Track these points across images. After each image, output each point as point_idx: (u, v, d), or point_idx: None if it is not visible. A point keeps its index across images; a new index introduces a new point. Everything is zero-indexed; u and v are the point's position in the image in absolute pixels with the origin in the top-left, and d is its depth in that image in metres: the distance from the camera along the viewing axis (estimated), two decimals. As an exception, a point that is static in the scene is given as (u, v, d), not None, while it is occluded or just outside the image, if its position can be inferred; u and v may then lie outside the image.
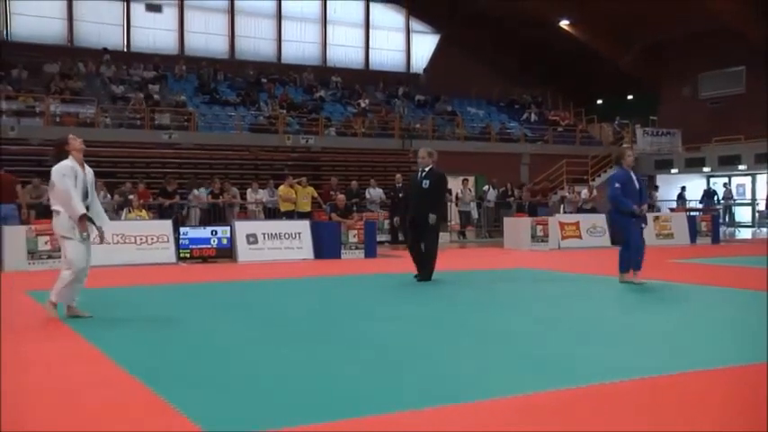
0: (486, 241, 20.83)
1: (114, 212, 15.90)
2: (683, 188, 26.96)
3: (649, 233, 18.48)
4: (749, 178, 30.29)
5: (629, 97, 36.37)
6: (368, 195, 20.73)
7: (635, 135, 30.78)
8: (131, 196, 16.39)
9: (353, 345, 5.89)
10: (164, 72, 28.27)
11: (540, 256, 15.04)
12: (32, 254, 12.53)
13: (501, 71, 34.90)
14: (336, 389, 4.41)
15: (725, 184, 29.49)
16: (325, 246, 14.83)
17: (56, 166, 7.03)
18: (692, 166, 30.49)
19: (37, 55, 26.49)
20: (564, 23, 32.86)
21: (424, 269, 10.28)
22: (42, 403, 4.19)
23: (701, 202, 26.34)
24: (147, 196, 17.53)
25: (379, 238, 15.62)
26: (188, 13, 31.57)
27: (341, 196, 16.35)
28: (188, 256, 14.11)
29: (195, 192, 18.06)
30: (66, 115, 23.38)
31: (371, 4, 34.93)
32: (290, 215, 17.31)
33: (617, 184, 9.57)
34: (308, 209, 17.70)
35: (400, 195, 11.82)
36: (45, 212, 15.04)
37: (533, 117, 32.40)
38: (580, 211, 21.05)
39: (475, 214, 22.60)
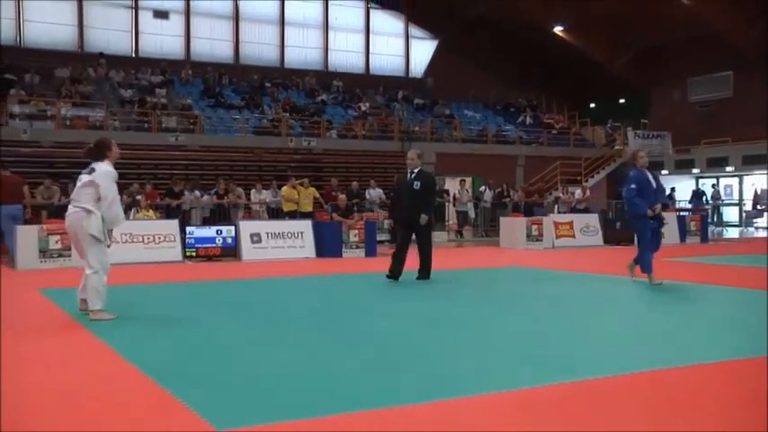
0: (482, 240, 20.83)
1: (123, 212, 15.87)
2: (673, 189, 26.92)
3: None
4: (736, 179, 30.31)
5: (621, 101, 36.37)
6: (368, 196, 20.72)
7: (627, 137, 30.78)
8: (139, 197, 16.40)
9: (354, 341, 5.90)
10: (170, 76, 28.28)
11: (535, 255, 15.04)
12: (44, 252, 12.53)
13: (497, 76, 34.91)
14: (337, 384, 4.42)
15: (713, 185, 29.52)
16: (327, 245, 14.83)
17: (106, 168, 6.89)
18: (682, 167, 30.51)
19: (48, 60, 26.49)
20: (558, 29, 32.86)
21: (423, 268, 10.22)
22: (52, 397, 4.19)
23: (690, 203, 26.35)
24: (154, 197, 17.53)
25: (379, 238, 15.61)
26: (194, 19, 31.57)
27: (342, 197, 16.35)
28: (194, 254, 14.12)
29: (196, 193, 18.03)
30: (76, 118, 23.37)
31: (372, 11, 34.92)
32: (292, 215, 17.31)
33: (632, 185, 9.34)
34: (310, 209, 17.69)
35: (391, 195, 11.62)
36: (56, 212, 15.06)
37: (528, 120, 32.38)
38: (574, 211, 21.05)
39: (472, 214, 22.59)
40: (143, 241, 13.65)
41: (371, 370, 4.83)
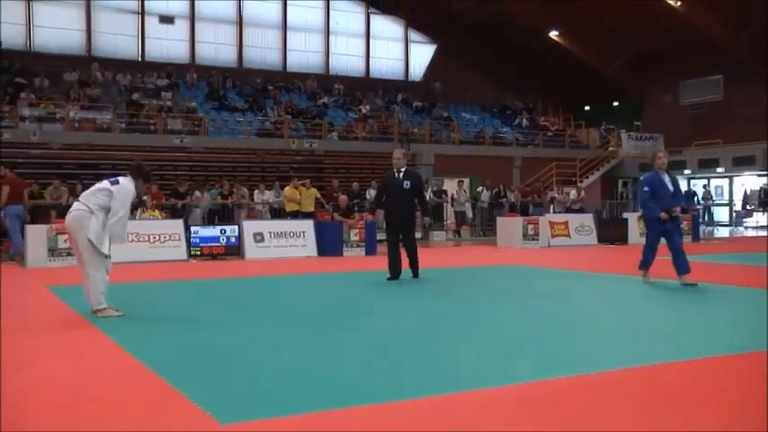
0: (479, 240, 20.82)
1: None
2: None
3: (634, 232, 18.59)
4: (727, 180, 30.32)
5: (615, 104, 36.37)
6: (368, 196, 20.69)
7: (620, 139, 30.81)
8: (145, 197, 16.35)
9: (354, 338, 5.88)
10: (176, 80, 28.27)
11: (532, 254, 15.03)
12: (53, 251, 12.55)
13: (494, 79, 34.92)
14: (338, 380, 4.41)
15: (704, 186, 29.52)
16: (328, 244, 14.82)
17: (128, 186, 6.80)
18: (674, 168, 30.35)
19: (57, 64, 26.48)
20: (554, 34, 32.86)
21: (414, 267, 9.97)
22: (59, 390, 4.19)
23: (682, 203, 26.24)
24: (159, 197, 17.50)
25: (379, 237, 15.57)
26: (199, 24, 31.56)
27: (343, 197, 16.33)
28: (198, 253, 14.11)
29: (197, 193, 18.02)
30: (84, 121, 23.36)
31: (372, 16, 34.91)
32: (294, 215, 17.30)
33: (645, 188, 9.07)
34: (312, 209, 17.69)
35: (377, 191, 11.04)
36: (65, 212, 15.03)
37: (525, 122, 32.36)
38: (569, 211, 21.04)
39: (469, 214, 22.60)
40: (149, 240, 13.64)
41: (372, 366, 4.81)
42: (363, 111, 29.45)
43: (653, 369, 4.59)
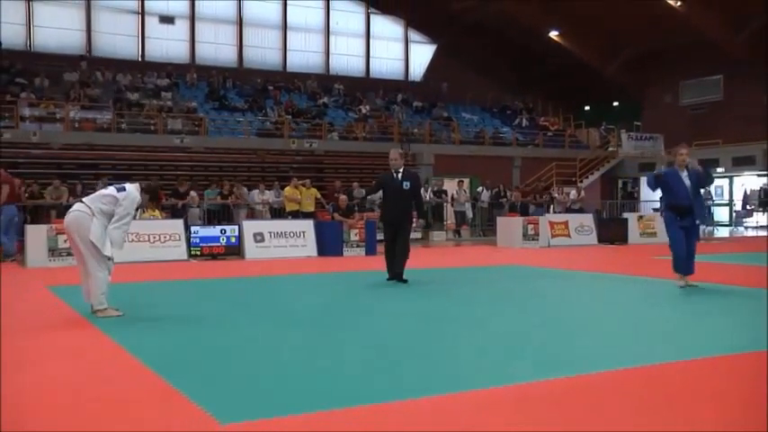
0: (479, 240, 20.81)
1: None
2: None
3: (634, 232, 18.60)
4: (727, 180, 30.28)
5: (615, 104, 36.35)
6: (357, 194, 20.69)
7: (620, 140, 30.79)
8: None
9: (354, 338, 5.88)
10: (176, 80, 28.26)
11: (532, 254, 15.02)
12: (53, 251, 12.55)
13: (494, 79, 34.90)
14: (338, 380, 4.41)
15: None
16: (328, 244, 14.82)
17: (135, 194, 6.82)
18: (674, 168, 30.42)
19: (57, 64, 26.47)
20: (554, 34, 32.85)
21: (401, 267, 9.71)
22: (59, 390, 4.19)
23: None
24: (160, 198, 17.48)
25: (378, 237, 15.55)
26: (199, 24, 31.54)
27: (343, 197, 16.34)
28: (198, 253, 14.11)
29: (192, 193, 18.00)
30: (84, 121, 23.36)
31: (372, 16, 34.90)
32: (295, 215, 17.30)
33: (654, 173, 8.82)
34: (312, 209, 17.69)
35: (372, 186, 10.76)
36: (65, 212, 15.03)
37: (524, 122, 32.35)
38: (569, 211, 21.03)
39: (469, 214, 22.59)
40: (149, 240, 13.64)
41: (372, 366, 4.81)
42: (363, 111, 29.45)
43: (653, 369, 4.58)
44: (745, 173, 28.83)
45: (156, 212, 15.67)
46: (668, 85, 32.84)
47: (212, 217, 18.11)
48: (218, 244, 14.32)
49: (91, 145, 22.17)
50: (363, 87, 32.39)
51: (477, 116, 32.85)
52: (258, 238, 14.49)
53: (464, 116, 32.24)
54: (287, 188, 18.02)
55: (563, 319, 6.72)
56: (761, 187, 27.93)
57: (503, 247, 17.14)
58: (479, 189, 23.42)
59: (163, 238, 13.79)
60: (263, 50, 32.75)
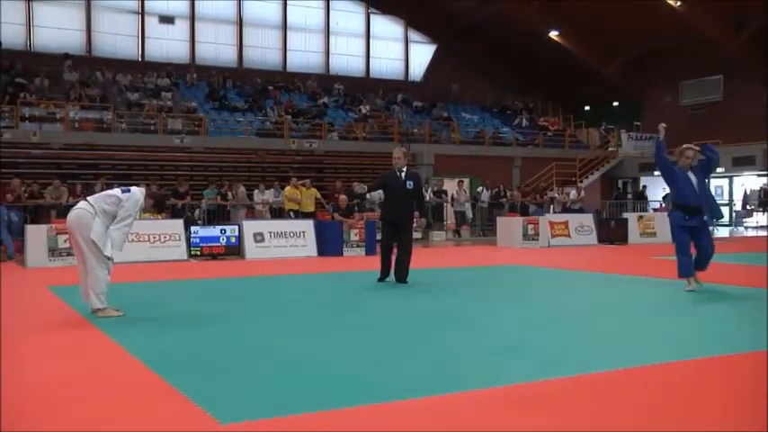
0: (479, 240, 20.81)
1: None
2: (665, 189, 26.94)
3: (634, 232, 18.60)
4: (726, 180, 30.30)
5: (615, 104, 36.33)
6: (368, 196, 20.66)
7: (620, 139, 30.77)
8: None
9: (354, 338, 5.88)
10: (176, 80, 28.25)
11: (531, 254, 15.02)
12: (53, 251, 12.55)
13: (494, 79, 34.89)
14: (338, 380, 4.41)
15: (704, 186, 29.43)
16: (328, 244, 14.82)
17: (138, 196, 6.81)
18: (674, 168, 30.40)
19: (57, 64, 26.46)
20: (554, 34, 32.85)
21: (404, 271, 9.65)
22: (59, 391, 4.19)
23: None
24: (163, 205, 17.48)
25: (378, 237, 15.55)
26: (199, 24, 31.52)
27: (342, 197, 16.34)
28: (198, 253, 14.11)
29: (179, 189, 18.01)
30: (84, 121, 23.35)
31: (372, 16, 34.89)
32: (295, 214, 17.30)
33: (672, 160, 8.41)
34: (312, 209, 17.69)
35: (373, 183, 10.62)
36: (65, 212, 15.05)
37: (524, 122, 32.34)
38: (569, 211, 21.04)
39: (469, 214, 22.59)
40: (149, 240, 13.64)
41: (372, 365, 4.81)
42: (363, 111, 29.43)
43: (653, 369, 4.58)
44: (745, 173, 28.83)
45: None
46: (668, 85, 32.83)
47: (212, 217, 18.11)
48: (218, 244, 14.32)
49: (91, 145, 22.17)
50: (363, 87, 32.38)
51: (477, 116, 32.84)
52: (258, 238, 14.49)
53: (464, 116, 32.23)
54: (287, 188, 18.03)
55: (563, 319, 6.72)
56: (761, 187, 27.93)
57: (503, 247, 17.14)
58: (479, 189, 23.42)
59: (163, 238, 13.79)
60: (263, 50, 32.73)
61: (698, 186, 8.35)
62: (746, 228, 27.57)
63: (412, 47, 35.84)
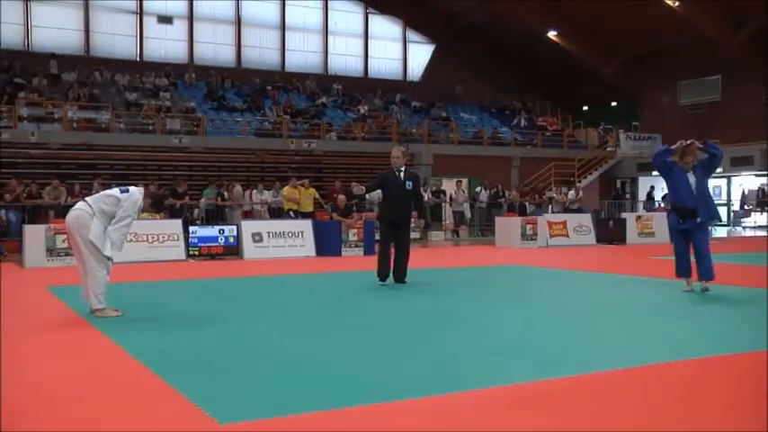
0: (478, 240, 20.82)
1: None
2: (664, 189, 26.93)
3: (632, 232, 18.61)
4: (725, 180, 30.33)
5: (613, 104, 36.35)
6: (367, 196, 20.65)
7: (618, 139, 30.79)
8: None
9: (354, 338, 5.87)
10: (174, 80, 28.23)
11: (530, 254, 15.03)
12: (51, 251, 12.54)
13: (492, 79, 34.89)
14: (337, 380, 4.40)
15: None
16: (327, 244, 14.82)
17: (137, 197, 6.80)
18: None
19: (56, 64, 26.43)
20: (552, 34, 32.87)
21: (402, 271, 9.63)
22: (58, 392, 4.18)
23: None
24: (162, 205, 17.48)
25: (377, 237, 15.56)
26: (197, 24, 31.51)
27: (341, 197, 16.34)
28: (197, 253, 14.10)
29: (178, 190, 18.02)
30: (83, 121, 23.33)
31: (370, 16, 34.88)
32: (294, 214, 17.29)
33: (671, 160, 8.26)
34: (311, 209, 17.68)
35: (371, 183, 10.56)
36: (63, 212, 15.06)
37: (523, 122, 32.35)
38: (567, 211, 21.04)
39: (468, 214, 22.59)
40: (147, 240, 13.63)
41: (372, 366, 4.81)
42: (362, 111, 29.43)
43: (653, 369, 4.58)
44: (744, 173, 28.86)
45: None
46: (666, 85, 32.86)
47: (210, 217, 18.12)
48: (217, 244, 14.31)
49: (89, 145, 22.14)
50: (362, 87, 32.38)
51: (476, 116, 32.85)
52: (257, 238, 14.48)
53: (462, 116, 32.24)
54: (285, 188, 18.02)
55: (562, 319, 6.72)
56: (759, 187, 27.97)
57: (501, 247, 17.14)
58: (478, 189, 23.42)
59: (161, 238, 13.79)
60: (261, 50, 32.72)
61: (696, 187, 8.23)
62: (744, 228, 27.60)
63: (410, 47, 35.84)
